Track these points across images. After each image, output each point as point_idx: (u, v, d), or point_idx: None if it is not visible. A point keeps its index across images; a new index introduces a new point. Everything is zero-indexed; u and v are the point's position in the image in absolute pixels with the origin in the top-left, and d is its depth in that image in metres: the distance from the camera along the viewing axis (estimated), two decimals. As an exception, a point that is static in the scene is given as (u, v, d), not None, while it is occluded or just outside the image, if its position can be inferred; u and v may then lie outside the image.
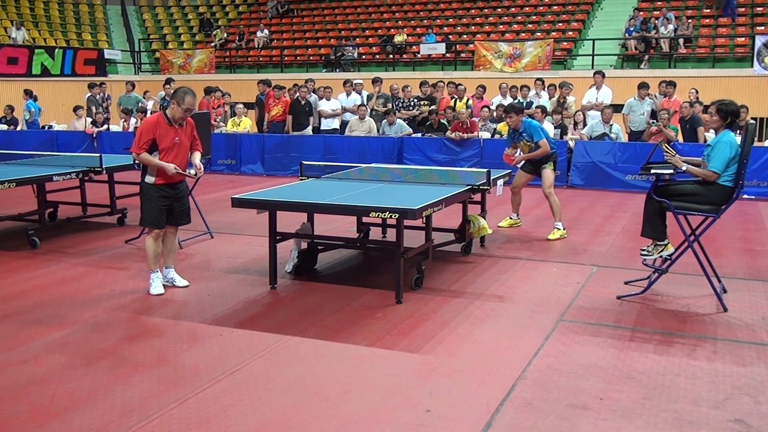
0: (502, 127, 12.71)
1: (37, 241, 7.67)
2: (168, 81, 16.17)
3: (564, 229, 8.11)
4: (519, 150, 8.35)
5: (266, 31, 23.79)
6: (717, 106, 5.67)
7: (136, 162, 8.23)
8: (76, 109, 15.71)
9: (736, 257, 7.21)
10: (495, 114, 13.26)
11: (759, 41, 16.72)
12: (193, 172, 6.12)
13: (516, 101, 13.64)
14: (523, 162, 8.37)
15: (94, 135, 14.78)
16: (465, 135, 12.48)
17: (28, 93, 16.57)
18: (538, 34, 20.45)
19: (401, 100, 14.19)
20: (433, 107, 13.97)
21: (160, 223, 5.94)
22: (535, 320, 5.25)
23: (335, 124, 14.31)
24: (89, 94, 16.73)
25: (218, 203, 10.00)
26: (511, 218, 8.70)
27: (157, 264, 6.01)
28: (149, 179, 5.92)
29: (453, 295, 5.89)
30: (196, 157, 6.17)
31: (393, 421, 3.68)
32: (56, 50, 20.81)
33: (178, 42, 25.54)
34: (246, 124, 14.45)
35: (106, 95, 16.89)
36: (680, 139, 11.93)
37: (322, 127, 14.35)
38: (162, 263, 6.12)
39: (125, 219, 8.92)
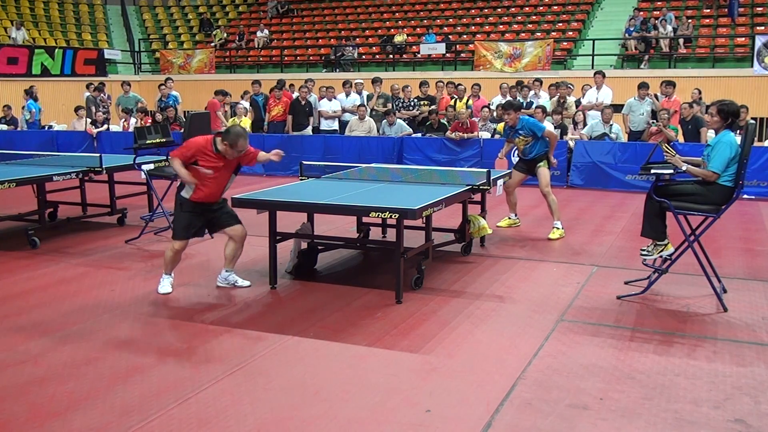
0: (502, 127, 12.72)
1: (37, 241, 7.67)
2: (167, 80, 16.17)
3: (562, 228, 8.12)
4: (514, 147, 8.43)
5: (266, 31, 23.80)
6: (717, 106, 5.66)
7: (137, 163, 8.27)
8: (77, 109, 15.73)
9: (736, 257, 7.21)
10: (495, 114, 13.27)
11: (759, 41, 16.71)
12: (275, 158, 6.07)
13: (516, 101, 13.67)
14: (516, 162, 8.45)
15: (94, 135, 14.79)
16: (465, 135, 12.48)
17: (28, 93, 16.58)
18: (538, 34, 20.45)
19: (401, 100, 14.19)
20: (433, 107, 13.98)
21: (186, 235, 5.90)
22: (535, 320, 5.25)
23: (335, 124, 14.32)
24: (88, 94, 16.74)
25: (218, 203, 9.99)
26: (509, 218, 8.69)
27: (172, 269, 6.02)
28: (185, 194, 5.86)
29: (453, 295, 5.89)
30: (263, 156, 6.10)
31: (393, 421, 3.68)
32: (56, 50, 20.80)
33: (178, 42, 25.54)
34: (246, 123, 14.45)
35: (106, 95, 16.90)
36: (681, 139, 11.94)
37: (321, 127, 14.36)
38: (226, 266, 6.10)
39: (125, 219, 8.92)
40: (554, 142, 8.32)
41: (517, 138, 8.19)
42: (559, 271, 6.65)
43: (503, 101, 13.71)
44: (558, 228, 8.05)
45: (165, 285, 5.98)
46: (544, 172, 8.15)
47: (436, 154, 12.68)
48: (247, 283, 6.13)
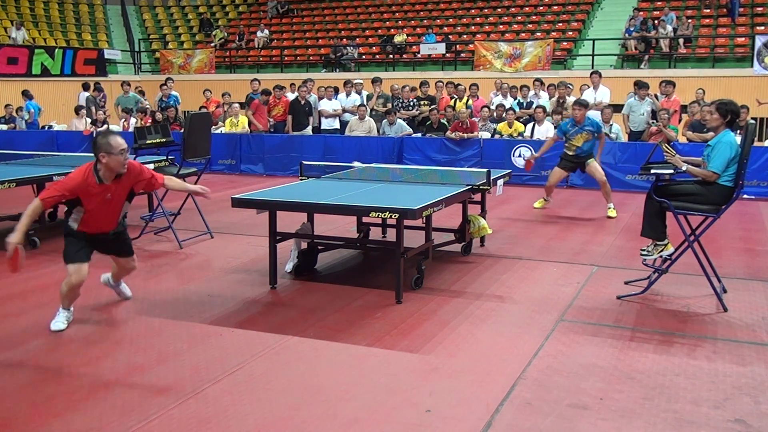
0: (502, 127, 12.74)
1: (37, 241, 7.67)
2: (167, 80, 16.17)
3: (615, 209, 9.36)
4: (573, 143, 9.27)
5: (266, 31, 23.80)
6: (716, 104, 5.68)
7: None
8: (78, 109, 15.73)
9: (736, 257, 7.21)
10: (495, 114, 13.28)
11: (759, 41, 16.72)
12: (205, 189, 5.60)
13: (516, 101, 13.71)
14: (561, 159, 9.51)
15: (95, 135, 14.78)
16: (465, 135, 12.48)
17: (26, 94, 16.60)
18: (538, 34, 20.46)
19: (401, 100, 14.19)
20: (433, 107, 13.99)
21: (81, 258, 5.15)
22: (535, 320, 5.25)
23: (335, 124, 14.32)
24: (88, 94, 16.75)
25: (218, 203, 9.98)
26: (545, 199, 9.91)
27: (70, 303, 5.20)
28: (73, 224, 5.21)
29: (453, 295, 5.89)
30: (177, 184, 5.66)
31: (393, 421, 3.68)
32: (56, 50, 20.81)
33: (178, 42, 25.54)
34: (244, 123, 14.45)
35: (103, 95, 16.92)
36: (681, 139, 11.93)
37: (322, 126, 14.37)
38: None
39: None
40: (603, 143, 9.54)
41: (580, 134, 9.15)
42: (559, 271, 6.65)
43: (503, 99, 13.85)
44: (613, 208, 9.33)
45: (59, 321, 5.08)
46: (597, 165, 9.35)
47: (436, 154, 12.67)
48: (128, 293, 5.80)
